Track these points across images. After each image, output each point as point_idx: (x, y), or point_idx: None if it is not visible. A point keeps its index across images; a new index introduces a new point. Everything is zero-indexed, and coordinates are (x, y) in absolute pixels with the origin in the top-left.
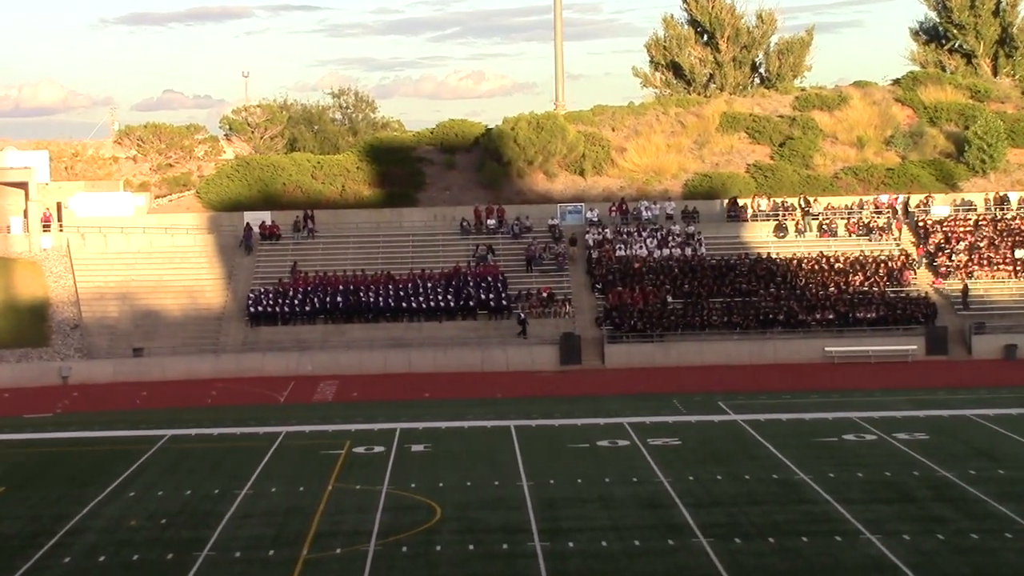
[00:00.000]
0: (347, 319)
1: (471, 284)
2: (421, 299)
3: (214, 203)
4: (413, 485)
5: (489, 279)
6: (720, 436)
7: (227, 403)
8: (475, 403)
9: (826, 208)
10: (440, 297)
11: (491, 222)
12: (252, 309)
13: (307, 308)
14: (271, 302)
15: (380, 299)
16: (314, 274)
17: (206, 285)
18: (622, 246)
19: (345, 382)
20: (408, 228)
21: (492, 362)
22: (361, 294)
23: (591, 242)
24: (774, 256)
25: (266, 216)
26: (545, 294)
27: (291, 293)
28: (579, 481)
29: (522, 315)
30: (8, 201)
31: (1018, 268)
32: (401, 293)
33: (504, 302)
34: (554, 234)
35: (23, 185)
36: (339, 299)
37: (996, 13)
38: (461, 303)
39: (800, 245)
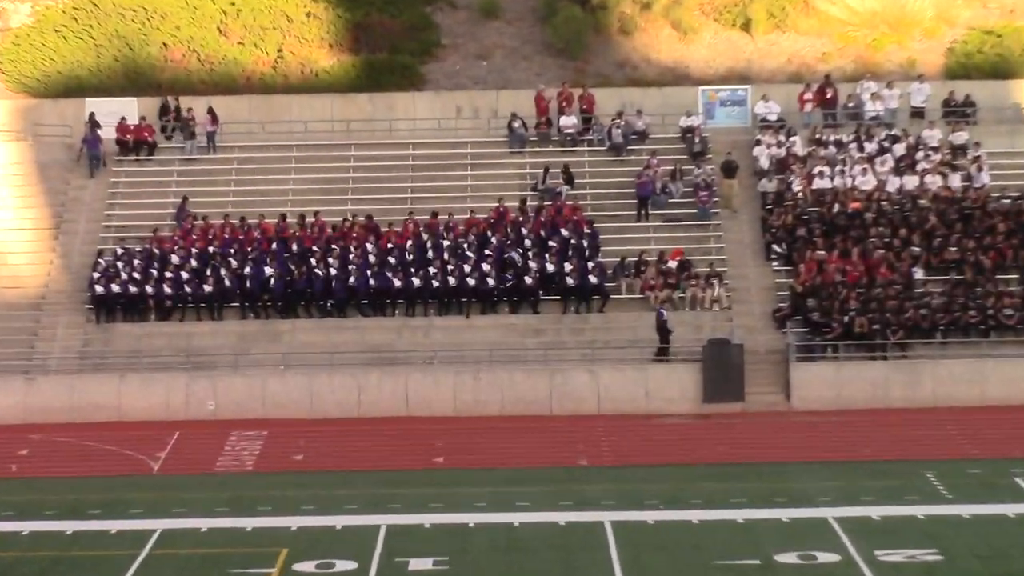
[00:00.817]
0: (284, 309)
1: (528, 244)
2: (430, 273)
3: (28, 84)
4: None
5: (564, 233)
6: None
7: (49, 473)
8: (534, 475)
9: None
10: (469, 269)
11: (568, 121)
12: (100, 288)
13: (205, 287)
14: (135, 274)
15: (350, 273)
16: (221, 222)
17: (11, 242)
18: (825, 172)
19: (279, 432)
20: (406, 133)
21: (569, 395)
22: (312, 261)
23: (764, 163)
24: None
25: (128, 107)
26: (674, 263)
27: (174, 258)
28: None
29: (663, 313)
30: None
31: None
32: (392, 261)
33: (594, 279)
34: (691, 147)
35: None
36: (268, 271)
37: None
38: (508, 281)
39: None
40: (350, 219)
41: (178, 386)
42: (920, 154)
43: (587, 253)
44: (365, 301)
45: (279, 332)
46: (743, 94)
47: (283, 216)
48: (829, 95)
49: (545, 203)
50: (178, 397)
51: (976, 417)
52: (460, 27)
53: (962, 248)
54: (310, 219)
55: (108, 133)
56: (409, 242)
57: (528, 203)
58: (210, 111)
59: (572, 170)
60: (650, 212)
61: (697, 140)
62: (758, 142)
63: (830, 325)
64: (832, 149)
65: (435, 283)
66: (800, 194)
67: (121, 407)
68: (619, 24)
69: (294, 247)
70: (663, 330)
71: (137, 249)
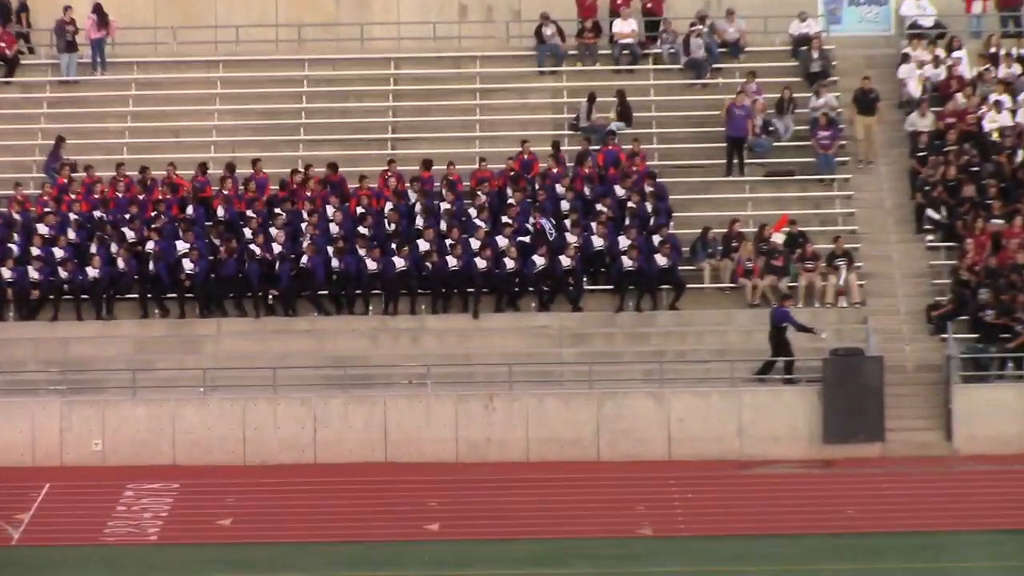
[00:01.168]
0: (206, 304)
1: (564, 207)
2: (420, 250)
3: None
4: None
5: (619, 192)
6: None
7: None
8: (575, 550)
9: None
10: (477, 245)
11: (625, 28)
12: None
13: (89, 271)
14: None
15: (303, 251)
16: (112, 175)
17: None
18: (1004, 102)
19: (197, 486)
20: (385, 44)
21: (625, 432)
22: (247, 233)
23: (915, 90)
24: None
25: None
26: (780, 236)
27: (43, 228)
28: None
29: (786, 314)
30: None
31: None
32: (364, 232)
33: (663, 259)
34: (807, 65)
35: None
36: (181, 248)
37: None
38: (535, 263)
39: None
40: (302, 171)
41: (48, 415)
42: None
43: (652, 222)
44: (324, 292)
45: (198, 338)
46: None
47: (203, 166)
48: None
49: (591, 148)
50: (49, 432)
51: None
52: None
53: None
54: (244, 171)
55: None
56: (389, 204)
57: (564, 148)
58: (96, 9)
59: (630, 99)
60: (746, 162)
61: (816, 55)
62: (906, 58)
63: (1012, 329)
64: (1016, 69)
65: (428, 265)
66: (963, 140)
67: None
68: None
69: (220, 212)
70: (781, 342)
71: None
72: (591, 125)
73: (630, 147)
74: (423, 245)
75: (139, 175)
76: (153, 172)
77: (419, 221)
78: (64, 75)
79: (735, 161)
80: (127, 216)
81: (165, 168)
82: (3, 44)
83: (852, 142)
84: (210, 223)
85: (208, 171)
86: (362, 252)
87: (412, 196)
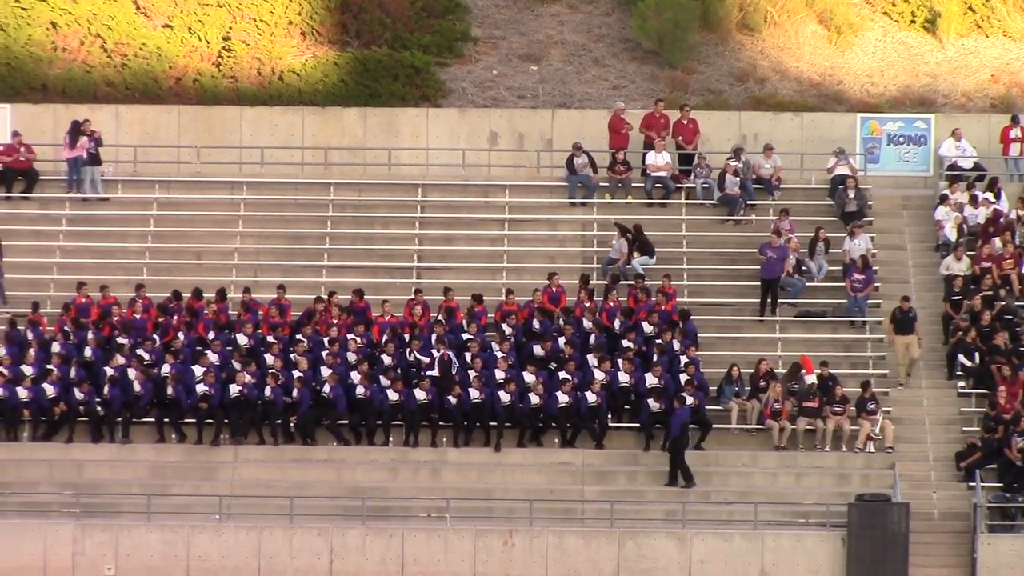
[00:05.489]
0: (223, 426)
1: (591, 341)
2: (453, 380)
3: None
4: None
5: (647, 328)
6: None
7: None
8: None
9: None
10: (502, 377)
11: (659, 160)
12: None
13: (106, 393)
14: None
15: (323, 379)
16: (131, 295)
17: None
18: None
19: None
20: (414, 170)
21: (646, 572)
22: (268, 359)
23: (950, 232)
24: None
25: None
26: (811, 377)
27: (57, 347)
28: None
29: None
30: None
31: None
32: (387, 361)
33: (690, 398)
34: (842, 204)
35: None
36: (199, 372)
37: None
38: (563, 401)
39: None
40: (325, 297)
41: (61, 538)
42: None
43: (680, 360)
44: (344, 422)
45: (214, 464)
46: (923, 127)
47: (221, 292)
48: None
49: (620, 282)
50: (61, 555)
51: None
52: (500, 12)
53: None
54: (265, 296)
55: None
56: (414, 334)
57: (593, 281)
58: (73, 128)
59: (661, 233)
60: (778, 301)
61: (852, 194)
62: (943, 199)
63: None
64: None
65: (450, 397)
66: (999, 284)
67: None
68: (740, 16)
69: (240, 337)
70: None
71: (6, 332)
72: (619, 260)
73: (662, 283)
74: (458, 383)
75: (160, 298)
76: (172, 295)
77: (434, 352)
78: (88, 191)
79: (768, 301)
80: (145, 339)
81: (187, 292)
82: (24, 157)
83: (892, 363)
84: (229, 347)
85: (225, 296)
86: (385, 382)
87: (437, 326)
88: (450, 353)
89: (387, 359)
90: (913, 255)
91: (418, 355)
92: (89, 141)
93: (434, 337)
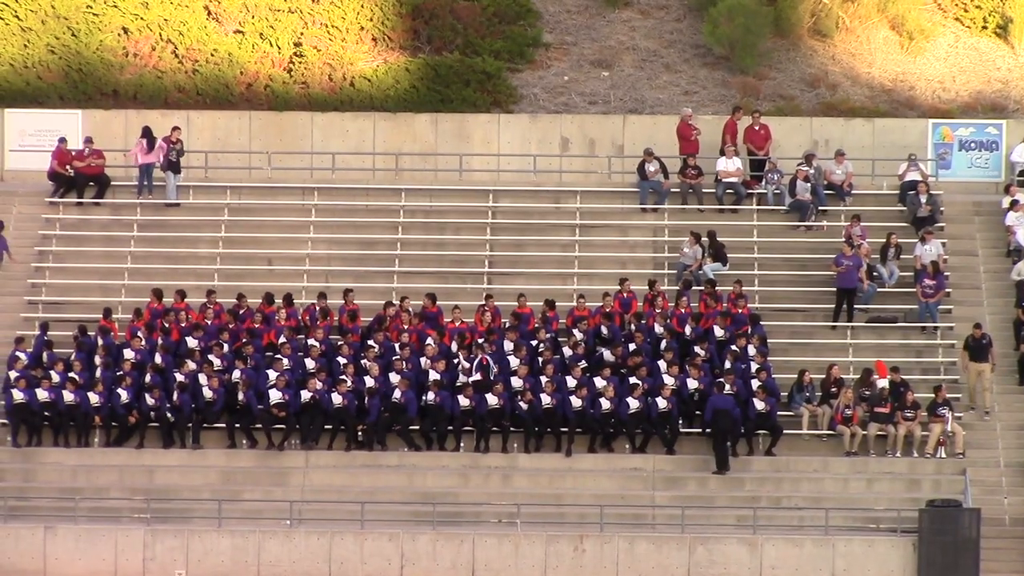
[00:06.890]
0: (294, 435)
1: (662, 347)
2: (515, 387)
3: None
4: None
5: (718, 333)
6: None
7: None
8: None
9: None
10: (573, 383)
11: (729, 166)
12: (18, 393)
13: (176, 398)
14: (71, 374)
15: (394, 384)
16: (202, 301)
17: None
18: None
19: None
20: (485, 176)
21: None
22: (339, 363)
23: (1020, 239)
24: None
25: (68, 122)
26: (883, 382)
27: (129, 352)
28: None
29: None
30: None
31: None
32: (460, 366)
33: (761, 403)
34: (913, 210)
35: None
36: (271, 377)
37: None
38: (634, 407)
39: None
40: (397, 302)
41: (132, 544)
42: None
43: (752, 366)
44: (415, 428)
45: (285, 469)
46: (994, 132)
47: (288, 297)
48: None
49: (693, 288)
50: (132, 561)
51: None
52: (571, 18)
53: None
54: (336, 301)
55: (36, 161)
56: (485, 342)
57: (663, 287)
58: (145, 133)
59: (732, 239)
60: (854, 310)
61: (923, 200)
62: (1014, 205)
63: None
64: None
65: (521, 403)
66: None
67: (46, 574)
68: (812, 21)
69: (311, 342)
70: None
71: (77, 338)
72: (691, 266)
73: (733, 289)
74: (517, 382)
75: (232, 303)
76: (243, 300)
77: (514, 360)
78: (167, 197)
79: (843, 308)
80: (215, 344)
81: (257, 297)
82: (95, 164)
83: (966, 391)
84: (300, 353)
85: (293, 301)
86: (461, 393)
87: (509, 332)
88: (488, 358)
89: (460, 364)
90: (984, 261)
91: (463, 360)
92: (170, 148)
93: (507, 344)
